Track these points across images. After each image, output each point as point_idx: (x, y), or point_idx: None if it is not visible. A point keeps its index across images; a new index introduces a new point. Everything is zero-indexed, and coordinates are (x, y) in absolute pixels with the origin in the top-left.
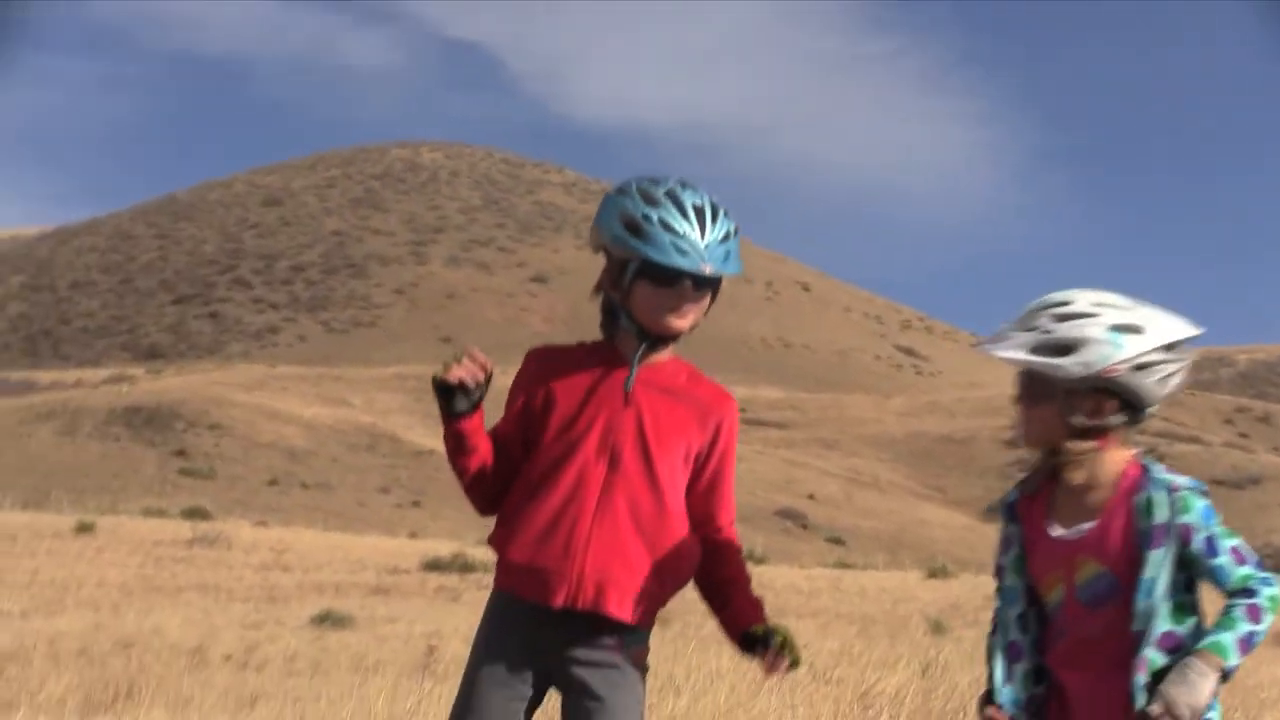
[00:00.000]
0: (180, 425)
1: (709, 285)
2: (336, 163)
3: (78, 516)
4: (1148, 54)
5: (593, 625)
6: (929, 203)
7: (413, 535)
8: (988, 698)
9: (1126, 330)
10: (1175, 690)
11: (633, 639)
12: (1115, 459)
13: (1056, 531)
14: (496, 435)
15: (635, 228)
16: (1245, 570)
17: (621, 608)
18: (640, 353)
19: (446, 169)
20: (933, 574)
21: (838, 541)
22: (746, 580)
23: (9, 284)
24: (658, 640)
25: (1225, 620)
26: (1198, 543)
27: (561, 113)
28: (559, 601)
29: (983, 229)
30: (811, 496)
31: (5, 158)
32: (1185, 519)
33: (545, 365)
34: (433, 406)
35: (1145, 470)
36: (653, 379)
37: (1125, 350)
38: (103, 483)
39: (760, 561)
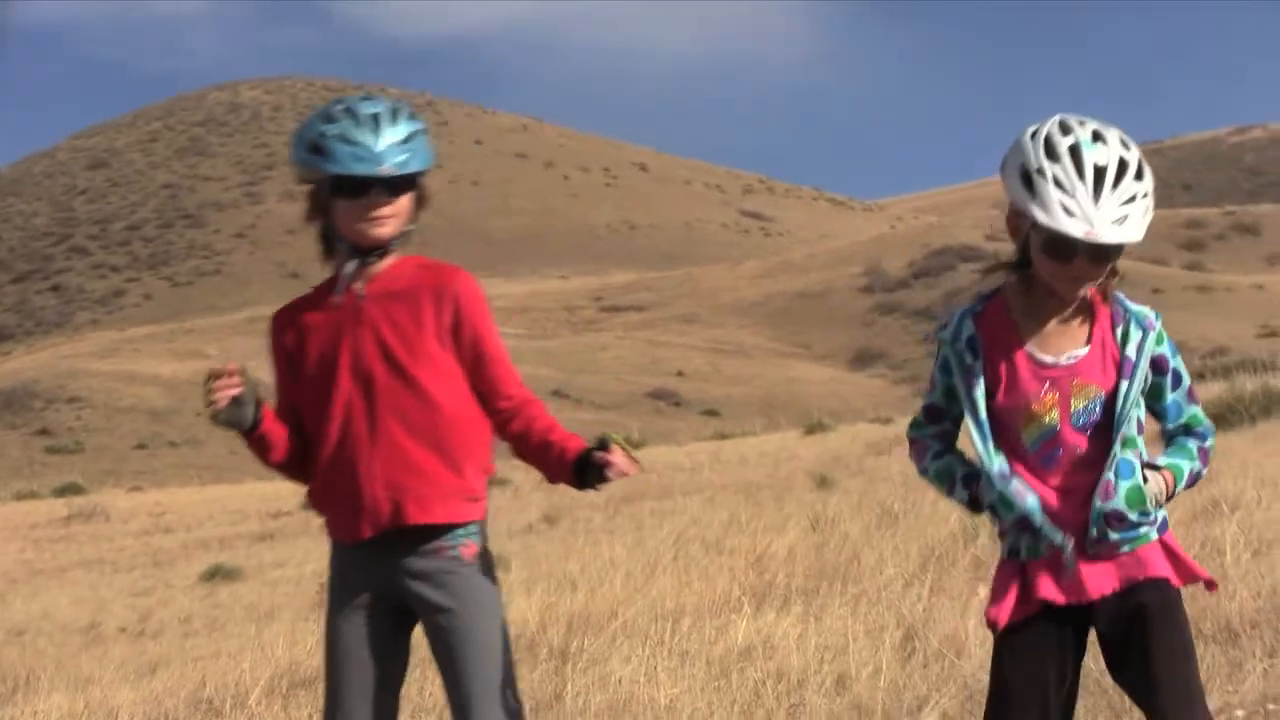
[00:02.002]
0: (39, 404)
1: (401, 187)
2: (157, 115)
3: None
4: None
5: (410, 539)
6: (752, 70)
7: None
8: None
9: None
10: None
11: (456, 536)
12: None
13: (1044, 358)
14: (280, 409)
15: (317, 147)
16: (1196, 410)
17: (423, 511)
18: (352, 268)
19: (268, 105)
20: (810, 430)
21: (712, 413)
22: (556, 427)
23: None
24: (547, 541)
25: (1182, 450)
26: (1167, 374)
27: (383, 33)
28: (367, 533)
29: (806, 86)
30: (680, 373)
31: None
32: (1160, 349)
33: (283, 322)
34: None
35: (1117, 301)
36: (380, 289)
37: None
38: None
39: (638, 445)
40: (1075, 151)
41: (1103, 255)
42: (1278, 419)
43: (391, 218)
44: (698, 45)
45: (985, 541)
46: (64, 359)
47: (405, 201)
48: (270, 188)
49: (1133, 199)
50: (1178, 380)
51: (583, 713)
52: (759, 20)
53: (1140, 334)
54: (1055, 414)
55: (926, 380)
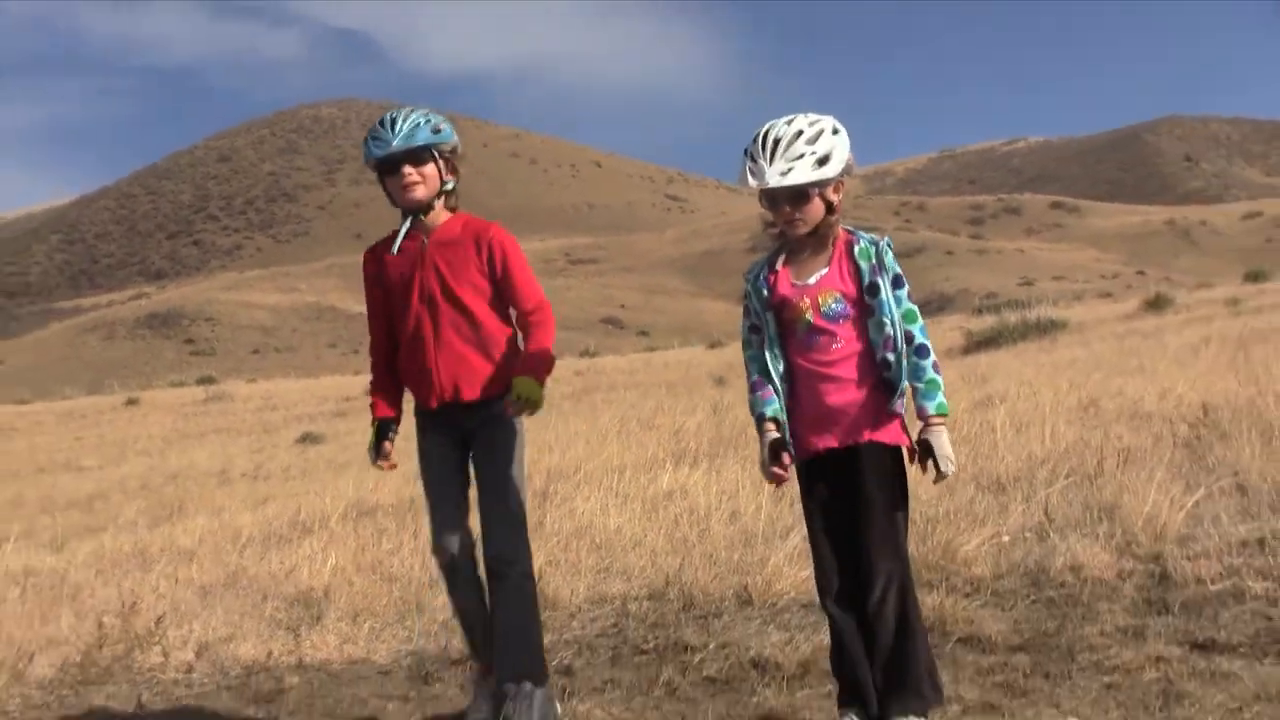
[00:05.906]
0: (185, 321)
1: (424, 160)
2: (264, 125)
3: (125, 394)
4: None
5: (467, 407)
6: (676, 90)
7: (356, 373)
8: (762, 417)
9: (836, 131)
10: (948, 450)
11: (496, 402)
12: (836, 224)
13: (800, 281)
14: (374, 323)
15: (364, 144)
16: (912, 307)
17: (474, 391)
18: (408, 225)
19: (339, 118)
20: (711, 346)
21: (644, 334)
22: (530, 348)
23: (50, 241)
24: (533, 418)
25: (933, 384)
26: (891, 279)
27: (421, 69)
28: (434, 404)
29: (717, 102)
30: (622, 306)
31: (35, 153)
32: (886, 259)
33: (371, 260)
34: (357, 282)
35: (853, 231)
36: (439, 238)
37: (842, 144)
38: (138, 369)
39: (593, 355)
40: (767, 131)
41: (784, 196)
42: (1031, 341)
43: (418, 183)
44: (641, 71)
45: None
46: (201, 291)
47: (430, 169)
48: (341, 175)
49: (800, 156)
50: (898, 284)
51: (557, 534)
52: (688, 57)
53: (873, 252)
54: (810, 313)
55: None
